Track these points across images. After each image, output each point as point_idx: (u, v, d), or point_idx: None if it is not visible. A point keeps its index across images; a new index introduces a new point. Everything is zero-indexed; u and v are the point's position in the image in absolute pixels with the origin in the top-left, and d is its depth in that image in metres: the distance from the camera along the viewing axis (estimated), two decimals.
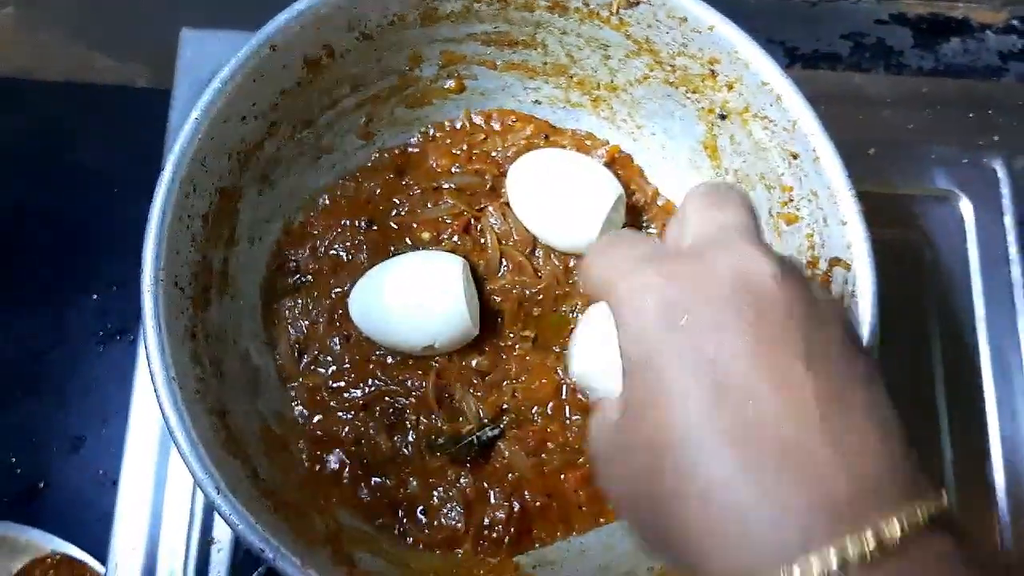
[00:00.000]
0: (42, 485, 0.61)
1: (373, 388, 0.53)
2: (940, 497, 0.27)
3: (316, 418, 0.52)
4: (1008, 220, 0.68)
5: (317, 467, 0.51)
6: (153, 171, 0.64)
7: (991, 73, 0.75)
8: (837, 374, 0.29)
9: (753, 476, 0.26)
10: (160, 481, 0.56)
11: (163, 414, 0.42)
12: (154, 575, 0.54)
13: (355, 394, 0.53)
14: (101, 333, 0.64)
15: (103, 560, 0.55)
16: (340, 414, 0.52)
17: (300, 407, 0.52)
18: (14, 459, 0.61)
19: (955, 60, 0.75)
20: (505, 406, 0.53)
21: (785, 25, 0.75)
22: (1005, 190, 0.68)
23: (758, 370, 0.27)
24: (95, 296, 0.65)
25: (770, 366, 0.28)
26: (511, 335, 0.54)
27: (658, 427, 0.28)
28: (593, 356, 0.47)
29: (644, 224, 0.58)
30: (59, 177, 0.68)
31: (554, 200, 0.54)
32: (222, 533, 0.55)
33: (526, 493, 0.51)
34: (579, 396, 0.53)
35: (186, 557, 0.55)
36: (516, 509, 0.51)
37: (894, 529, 0.25)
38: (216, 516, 0.56)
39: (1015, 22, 0.76)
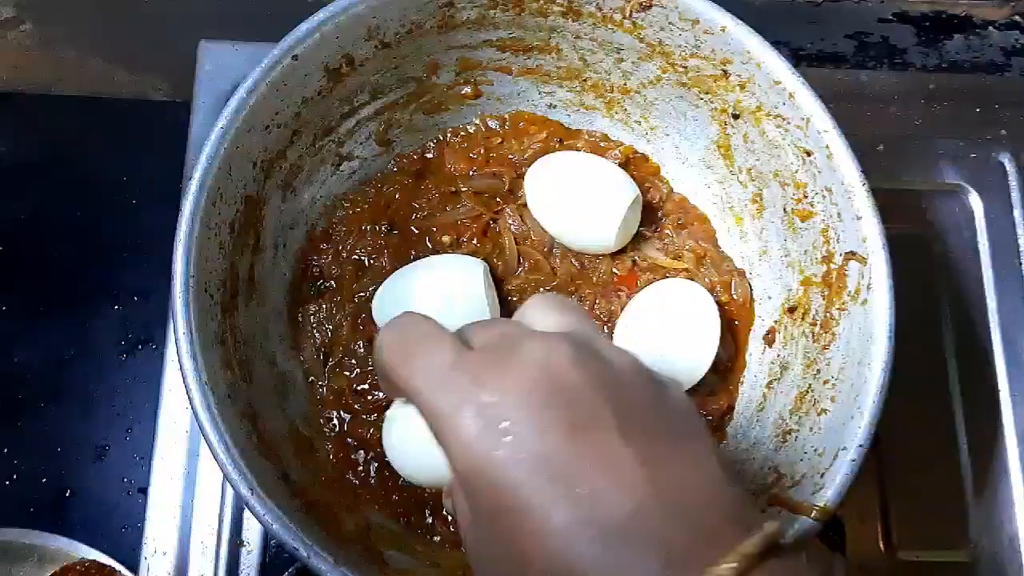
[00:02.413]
0: (68, 493, 0.61)
1: None
2: (764, 528, 0.29)
3: (342, 420, 0.53)
4: (1017, 213, 0.68)
5: (345, 468, 0.52)
6: (172, 183, 0.65)
7: (995, 69, 0.75)
8: (652, 436, 0.31)
9: (610, 556, 0.28)
10: (189, 485, 0.57)
11: (196, 418, 0.43)
12: None
13: (379, 396, 0.53)
14: (123, 343, 0.64)
15: (129, 566, 0.55)
16: (364, 416, 0.53)
17: (326, 410, 0.53)
18: (40, 468, 0.62)
19: (959, 57, 0.75)
20: None
21: (789, 25, 0.75)
22: (1014, 183, 0.69)
23: (580, 456, 0.29)
24: (117, 307, 0.65)
25: (591, 450, 0.30)
26: None
27: (512, 532, 0.30)
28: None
29: (660, 220, 0.59)
30: (79, 190, 0.69)
31: (572, 202, 0.55)
32: (251, 535, 0.56)
33: None
34: None
35: (216, 559, 0.56)
36: None
37: (731, 566, 0.28)
38: (245, 518, 0.57)
39: (1018, 18, 0.77)
